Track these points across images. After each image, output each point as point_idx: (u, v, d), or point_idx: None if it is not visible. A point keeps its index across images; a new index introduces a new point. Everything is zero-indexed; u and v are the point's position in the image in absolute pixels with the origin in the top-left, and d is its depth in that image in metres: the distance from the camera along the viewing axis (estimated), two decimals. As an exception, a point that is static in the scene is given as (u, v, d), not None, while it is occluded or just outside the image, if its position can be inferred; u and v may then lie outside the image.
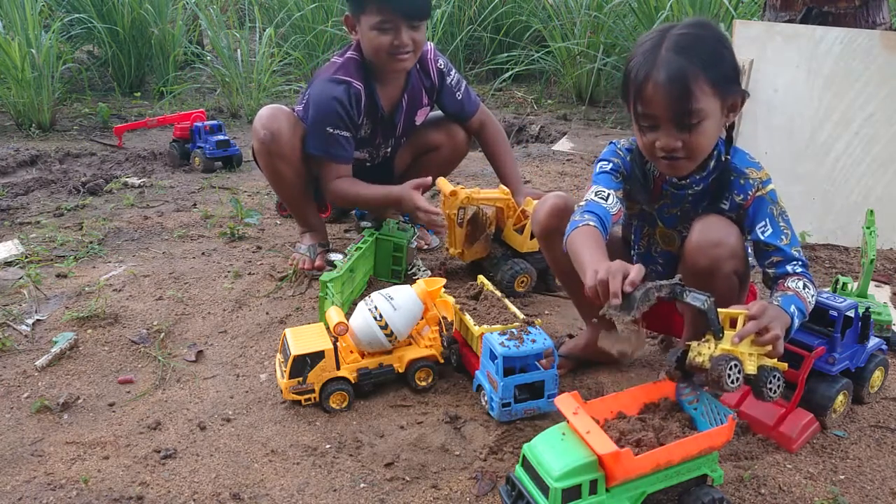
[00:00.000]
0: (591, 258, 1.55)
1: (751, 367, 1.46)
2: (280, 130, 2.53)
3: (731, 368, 1.42)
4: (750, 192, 1.69)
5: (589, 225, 1.67)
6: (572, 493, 1.33)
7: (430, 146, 2.83)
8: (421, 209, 2.39)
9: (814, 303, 1.64)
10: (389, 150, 2.78)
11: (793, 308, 1.55)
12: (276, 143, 2.53)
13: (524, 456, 1.42)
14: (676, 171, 1.70)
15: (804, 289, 1.61)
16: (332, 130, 2.45)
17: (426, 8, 2.46)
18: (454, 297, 2.12)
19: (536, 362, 1.83)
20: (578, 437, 1.38)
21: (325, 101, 2.46)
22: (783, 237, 1.67)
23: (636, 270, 1.42)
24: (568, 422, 1.42)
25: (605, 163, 1.82)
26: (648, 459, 1.35)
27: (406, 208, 2.47)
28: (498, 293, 2.12)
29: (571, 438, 1.39)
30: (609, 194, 1.75)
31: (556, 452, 1.37)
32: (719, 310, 1.48)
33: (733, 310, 1.49)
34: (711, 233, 1.68)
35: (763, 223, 1.67)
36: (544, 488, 1.34)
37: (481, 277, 2.23)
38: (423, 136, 2.81)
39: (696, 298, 1.44)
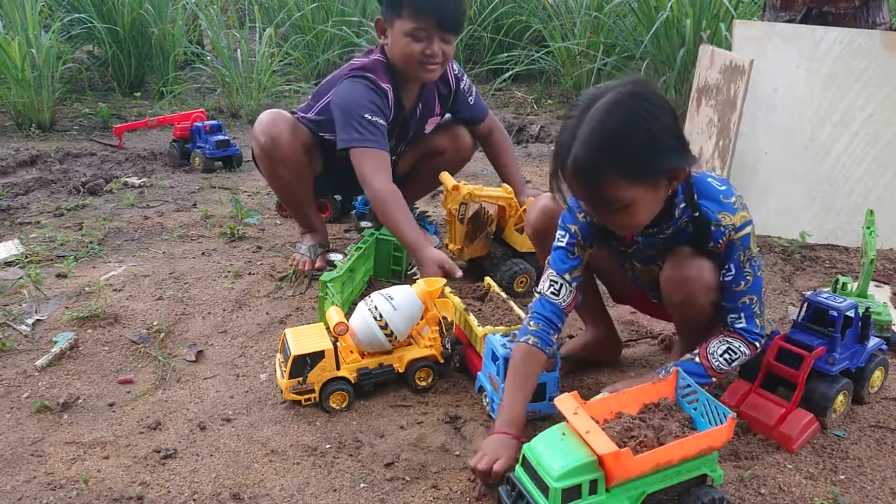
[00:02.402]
0: (504, 407, 1.68)
1: None
2: (280, 135, 2.52)
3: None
4: (721, 240, 1.64)
5: (527, 343, 1.72)
6: (572, 493, 1.33)
7: (434, 151, 2.82)
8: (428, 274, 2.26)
9: (732, 363, 1.69)
10: (394, 156, 2.77)
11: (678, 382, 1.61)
12: (277, 148, 2.53)
13: (524, 456, 1.42)
14: (630, 233, 1.71)
15: (722, 354, 1.68)
16: (370, 117, 2.37)
17: (460, 22, 2.45)
18: (460, 297, 2.12)
19: None
20: (578, 437, 1.38)
21: (358, 91, 2.41)
22: (742, 283, 1.66)
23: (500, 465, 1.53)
24: (567, 422, 1.42)
25: (562, 233, 1.78)
26: (648, 459, 1.35)
27: (420, 268, 2.35)
28: (503, 295, 2.12)
29: (571, 438, 1.39)
30: (561, 285, 1.76)
31: (555, 452, 1.37)
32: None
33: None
34: (682, 270, 1.68)
35: (728, 267, 1.66)
36: (544, 488, 1.34)
37: (488, 279, 2.23)
38: (427, 140, 2.80)
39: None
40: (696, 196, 1.62)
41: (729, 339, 1.70)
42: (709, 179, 1.67)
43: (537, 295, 1.79)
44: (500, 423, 1.65)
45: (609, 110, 1.46)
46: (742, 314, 1.69)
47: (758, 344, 1.72)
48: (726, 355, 1.69)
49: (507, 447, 1.58)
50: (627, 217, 1.55)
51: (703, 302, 1.69)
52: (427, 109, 2.67)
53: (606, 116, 1.45)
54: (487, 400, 1.86)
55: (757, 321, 1.70)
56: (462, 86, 2.70)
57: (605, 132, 1.45)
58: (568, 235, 1.77)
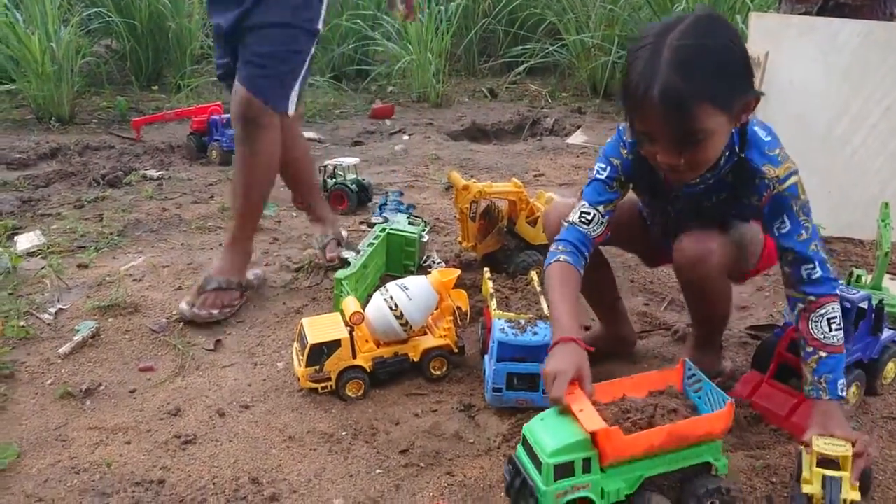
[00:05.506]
0: (559, 318, 1.58)
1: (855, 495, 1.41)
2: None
3: None
4: (765, 193, 1.59)
5: (560, 261, 1.67)
6: (565, 469, 1.34)
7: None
8: None
9: (840, 326, 1.57)
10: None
11: (840, 385, 1.54)
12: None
13: (524, 436, 1.44)
14: (680, 180, 1.63)
15: (828, 325, 1.55)
16: None
17: None
18: (494, 283, 2.10)
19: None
20: (573, 416, 1.40)
21: None
22: (802, 231, 1.58)
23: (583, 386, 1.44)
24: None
25: (603, 166, 1.73)
26: (641, 440, 1.36)
27: None
28: (538, 288, 2.08)
29: (567, 418, 1.41)
30: (594, 215, 1.70)
31: (550, 431, 1.39)
32: (818, 448, 1.43)
33: (834, 450, 1.43)
34: (693, 250, 1.69)
35: (780, 220, 1.59)
36: (539, 465, 1.36)
37: (532, 273, 2.21)
38: None
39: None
40: (744, 144, 1.59)
41: (819, 310, 1.56)
42: (755, 127, 1.61)
43: (565, 224, 1.72)
44: (556, 334, 1.55)
45: (695, 33, 1.41)
46: (815, 262, 1.57)
47: (838, 291, 1.62)
48: (831, 322, 1.56)
49: (569, 354, 1.48)
50: (703, 151, 1.49)
51: (715, 276, 1.69)
52: None
53: (694, 38, 1.40)
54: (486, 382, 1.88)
55: (829, 266, 1.59)
56: None
57: (695, 54, 1.39)
58: (609, 169, 1.72)
